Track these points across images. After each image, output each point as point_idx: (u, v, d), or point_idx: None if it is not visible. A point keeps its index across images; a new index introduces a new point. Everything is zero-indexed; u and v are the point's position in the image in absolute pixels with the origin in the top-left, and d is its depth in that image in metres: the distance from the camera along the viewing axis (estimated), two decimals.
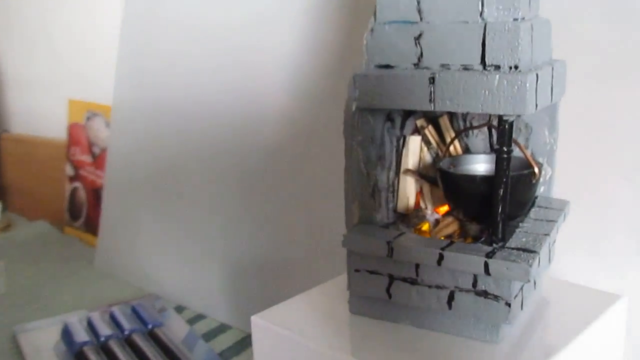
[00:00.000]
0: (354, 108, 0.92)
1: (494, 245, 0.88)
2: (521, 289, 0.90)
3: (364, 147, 0.95)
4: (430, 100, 0.86)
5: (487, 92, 0.81)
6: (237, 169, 1.90)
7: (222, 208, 1.97)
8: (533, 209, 1.03)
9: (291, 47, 1.71)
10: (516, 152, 0.97)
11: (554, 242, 1.05)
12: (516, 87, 0.79)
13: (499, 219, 0.88)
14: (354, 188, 0.95)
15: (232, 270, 1.94)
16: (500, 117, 0.84)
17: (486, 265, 0.84)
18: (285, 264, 1.79)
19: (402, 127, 1.07)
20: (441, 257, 0.88)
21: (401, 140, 1.08)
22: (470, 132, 1.10)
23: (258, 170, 1.83)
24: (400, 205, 1.09)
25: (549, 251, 1.02)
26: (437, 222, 1.03)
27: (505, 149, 0.86)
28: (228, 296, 1.96)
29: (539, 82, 0.82)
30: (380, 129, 1.00)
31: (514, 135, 0.91)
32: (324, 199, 1.66)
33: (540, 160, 1.06)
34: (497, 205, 0.87)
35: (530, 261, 0.82)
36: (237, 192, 1.91)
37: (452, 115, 1.10)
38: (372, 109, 0.94)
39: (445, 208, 1.07)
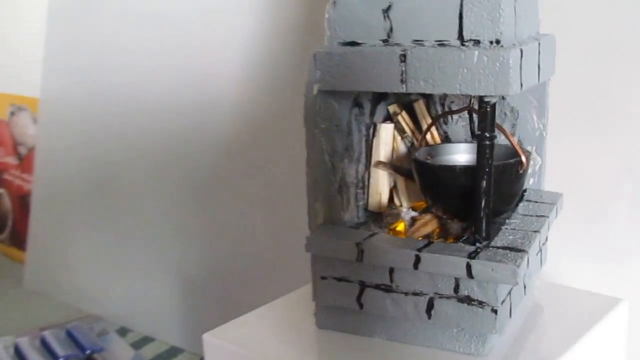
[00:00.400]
0: (315, 91, 0.92)
1: (478, 244, 0.89)
2: (509, 293, 0.91)
3: (328, 136, 0.96)
4: (401, 80, 0.86)
5: (465, 70, 0.82)
6: (186, 169, 1.89)
7: (169, 214, 1.95)
8: (521, 204, 1.03)
9: (244, 29, 1.70)
10: (502, 139, 0.99)
11: (546, 240, 1.06)
12: (498, 64, 0.80)
13: (482, 214, 0.88)
14: (317, 184, 0.95)
15: (184, 285, 1.92)
16: (480, 99, 0.85)
17: (468, 266, 0.85)
18: (244, 274, 1.78)
19: (372, 113, 1.08)
20: (418, 260, 0.88)
21: (371, 129, 1.08)
22: (449, 117, 1.10)
23: (210, 168, 1.82)
24: (372, 203, 1.09)
25: (540, 251, 1.03)
26: (413, 220, 1.03)
27: (488, 135, 0.87)
28: (180, 315, 1.95)
29: (523, 58, 0.83)
30: (347, 115, 1.00)
31: (498, 121, 0.93)
32: (287, 198, 1.65)
33: (529, 148, 1.07)
34: (480, 200, 0.87)
35: (518, 261, 0.83)
36: (186, 195, 1.89)
37: (428, 100, 1.11)
38: (337, 92, 0.94)
39: (422, 204, 1.08)
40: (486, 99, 0.86)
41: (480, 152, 0.88)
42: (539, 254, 1.03)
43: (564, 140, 1.19)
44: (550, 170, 1.11)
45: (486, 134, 0.88)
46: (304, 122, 0.95)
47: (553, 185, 1.11)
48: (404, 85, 0.87)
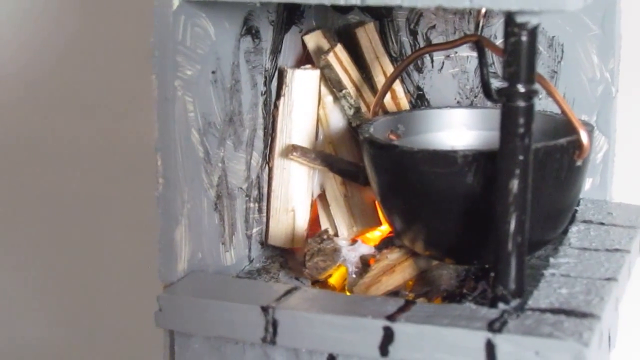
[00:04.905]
0: (175, 5, 0.90)
1: (502, 304, 0.86)
2: None
3: (197, 93, 0.94)
4: None
5: None
6: None
7: None
8: (574, 227, 1.03)
9: None
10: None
11: (621, 298, 1.05)
12: None
13: (510, 248, 0.86)
14: (176, 192, 0.93)
15: None
16: (509, 19, 0.83)
17: (490, 348, 0.81)
18: None
19: (277, 49, 1.06)
20: (389, 338, 0.84)
21: (274, 80, 1.06)
22: (428, 57, 1.09)
23: None
24: (276, 229, 1.07)
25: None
26: (365, 263, 1.01)
27: (523, 90, 0.84)
28: None
29: None
30: (232, 51, 0.99)
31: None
32: (107, 224, 1.61)
33: (584, 117, 1.05)
34: (507, 220, 0.85)
35: (585, 335, 0.80)
36: None
37: (383, 22, 1.09)
38: (215, 5, 0.93)
39: (381, 232, 1.06)
40: (520, 19, 0.82)
41: (507, 125, 0.85)
42: (607, 329, 1.00)
43: None
44: (624, 162, 1.10)
45: (519, 87, 0.84)
46: (151, 65, 0.91)
47: (627, 191, 1.10)
48: None
